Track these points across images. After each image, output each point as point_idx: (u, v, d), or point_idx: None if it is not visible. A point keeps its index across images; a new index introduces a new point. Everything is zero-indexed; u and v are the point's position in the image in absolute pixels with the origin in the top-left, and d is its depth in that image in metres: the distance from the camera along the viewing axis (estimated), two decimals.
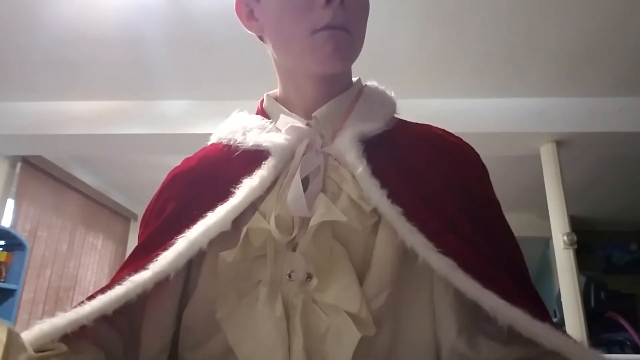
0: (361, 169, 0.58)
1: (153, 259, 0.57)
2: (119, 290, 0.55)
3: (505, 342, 0.54)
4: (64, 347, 0.53)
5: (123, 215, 5.32)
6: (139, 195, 4.93)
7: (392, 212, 0.56)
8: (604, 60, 2.66)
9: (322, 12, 0.60)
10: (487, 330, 0.55)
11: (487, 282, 0.52)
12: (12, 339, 0.44)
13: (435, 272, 0.57)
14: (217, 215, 0.58)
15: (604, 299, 3.67)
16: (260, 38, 0.71)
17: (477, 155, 0.68)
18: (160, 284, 0.57)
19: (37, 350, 0.51)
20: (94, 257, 4.78)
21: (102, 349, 0.58)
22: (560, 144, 3.06)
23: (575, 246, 2.85)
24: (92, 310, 0.54)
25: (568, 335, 0.51)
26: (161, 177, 0.72)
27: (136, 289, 0.55)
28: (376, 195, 0.57)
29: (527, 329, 0.50)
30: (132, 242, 5.32)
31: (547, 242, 5.10)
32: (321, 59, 0.62)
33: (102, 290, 0.57)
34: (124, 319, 0.60)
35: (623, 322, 3.41)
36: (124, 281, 0.56)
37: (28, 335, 0.52)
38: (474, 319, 0.56)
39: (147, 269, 0.56)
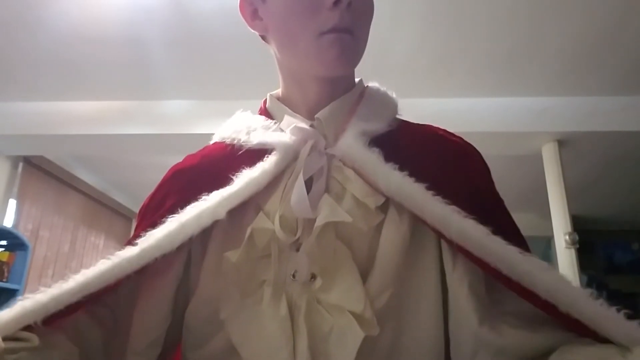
0: (374, 157, 0.58)
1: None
2: (103, 265, 0.54)
3: (532, 329, 0.53)
4: (35, 340, 0.51)
5: (125, 215, 5.32)
6: (140, 195, 4.92)
7: (417, 189, 0.55)
8: (606, 59, 2.65)
9: (329, 14, 0.59)
10: (509, 320, 0.54)
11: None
12: None
13: (447, 265, 0.57)
14: (211, 200, 0.58)
15: (606, 299, 3.66)
16: (263, 38, 0.70)
17: (479, 154, 0.68)
18: (152, 276, 0.56)
19: (9, 339, 0.49)
20: (96, 257, 4.78)
21: (80, 341, 0.57)
22: (562, 143, 3.05)
23: (577, 246, 2.85)
24: (75, 285, 0.53)
25: (607, 306, 0.48)
26: (162, 177, 0.72)
27: (122, 264, 0.54)
28: (396, 177, 0.56)
29: (565, 295, 0.48)
30: None
31: (548, 241, 5.08)
32: (326, 62, 0.61)
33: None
34: (106, 311, 0.60)
35: None
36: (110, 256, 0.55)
37: (9, 314, 0.50)
38: (492, 311, 0.56)
39: (135, 244, 0.56)
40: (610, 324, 0.47)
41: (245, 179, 0.59)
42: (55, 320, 0.52)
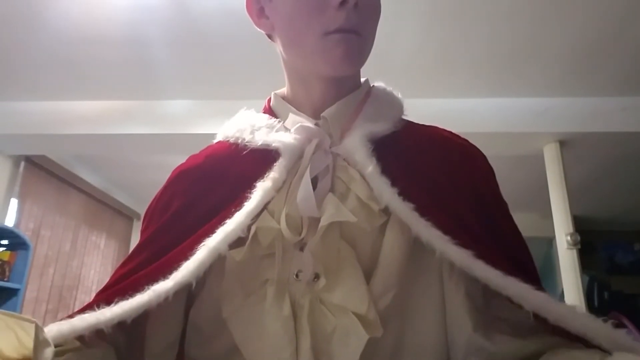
0: (371, 167, 0.58)
1: (169, 264, 0.57)
2: (141, 299, 0.54)
3: (523, 336, 0.54)
4: (76, 342, 0.54)
5: (126, 215, 5.33)
6: (141, 195, 4.94)
7: (404, 209, 0.56)
8: (607, 60, 2.65)
9: (335, 14, 0.59)
10: (502, 327, 0.55)
11: (506, 271, 0.52)
12: (39, 334, 0.45)
13: (445, 270, 0.58)
14: (236, 221, 0.57)
15: (607, 299, 3.67)
16: (269, 36, 0.70)
17: (484, 156, 0.68)
18: None
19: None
20: (97, 256, 4.79)
21: (108, 340, 0.58)
22: (564, 143, 3.05)
23: (579, 246, 2.85)
24: (112, 317, 0.53)
25: (593, 317, 0.50)
26: (164, 176, 0.71)
27: (158, 299, 0.54)
28: (387, 193, 0.57)
29: (552, 312, 0.50)
30: (135, 241, 5.30)
31: (550, 242, 5.08)
32: (331, 62, 0.61)
33: (119, 292, 0.56)
34: None
35: (626, 322, 3.40)
36: (143, 290, 0.55)
37: (48, 334, 0.51)
38: (487, 317, 0.56)
39: (168, 278, 0.55)
40: (596, 332, 0.48)
41: (260, 192, 0.59)
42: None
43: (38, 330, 0.45)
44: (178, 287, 0.55)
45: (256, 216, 0.58)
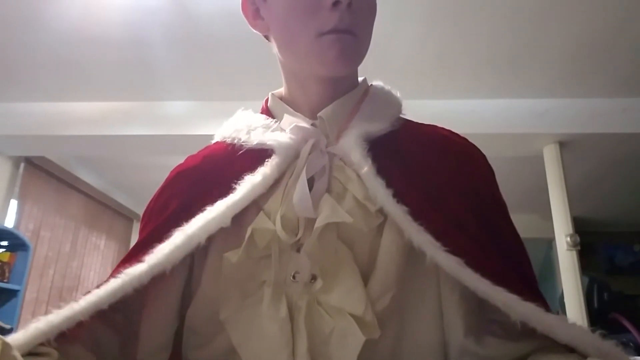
0: (366, 168, 0.58)
1: (147, 252, 0.57)
2: (114, 284, 0.54)
3: (514, 339, 0.54)
4: (55, 354, 0.52)
5: (126, 216, 5.33)
6: (141, 196, 4.94)
7: (398, 212, 0.55)
8: (607, 61, 2.65)
9: (329, 15, 0.59)
10: (494, 330, 0.55)
11: (495, 279, 0.52)
12: (4, 351, 0.43)
13: (441, 273, 0.57)
14: (217, 210, 0.57)
15: (607, 300, 3.66)
16: (266, 37, 0.70)
17: (483, 156, 0.68)
18: (159, 280, 0.56)
19: (28, 354, 0.49)
20: (97, 257, 4.79)
21: (97, 348, 0.57)
22: (563, 144, 3.05)
23: (579, 247, 2.85)
24: (87, 305, 0.53)
25: (581, 327, 0.50)
26: (164, 177, 0.71)
27: (132, 282, 0.54)
28: (381, 194, 0.56)
29: (541, 322, 0.50)
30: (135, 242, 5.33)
31: (550, 243, 5.09)
32: (326, 63, 0.61)
33: (99, 287, 0.56)
34: (120, 316, 0.60)
35: (626, 323, 3.39)
36: (120, 274, 0.55)
37: (24, 335, 0.50)
38: (480, 320, 0.56)
39: (143, 261, 0.55)
40: (584, 342, 0.49)
41: (247, 185, 0.59)
42: (70, 332, 0.53)
43: (3, 347, 0.43)
44: (153, 270, 0.54)
45: (244, 211, 0.58)
